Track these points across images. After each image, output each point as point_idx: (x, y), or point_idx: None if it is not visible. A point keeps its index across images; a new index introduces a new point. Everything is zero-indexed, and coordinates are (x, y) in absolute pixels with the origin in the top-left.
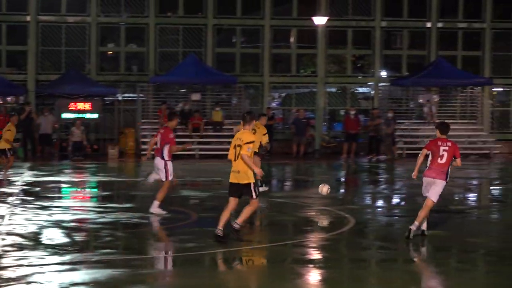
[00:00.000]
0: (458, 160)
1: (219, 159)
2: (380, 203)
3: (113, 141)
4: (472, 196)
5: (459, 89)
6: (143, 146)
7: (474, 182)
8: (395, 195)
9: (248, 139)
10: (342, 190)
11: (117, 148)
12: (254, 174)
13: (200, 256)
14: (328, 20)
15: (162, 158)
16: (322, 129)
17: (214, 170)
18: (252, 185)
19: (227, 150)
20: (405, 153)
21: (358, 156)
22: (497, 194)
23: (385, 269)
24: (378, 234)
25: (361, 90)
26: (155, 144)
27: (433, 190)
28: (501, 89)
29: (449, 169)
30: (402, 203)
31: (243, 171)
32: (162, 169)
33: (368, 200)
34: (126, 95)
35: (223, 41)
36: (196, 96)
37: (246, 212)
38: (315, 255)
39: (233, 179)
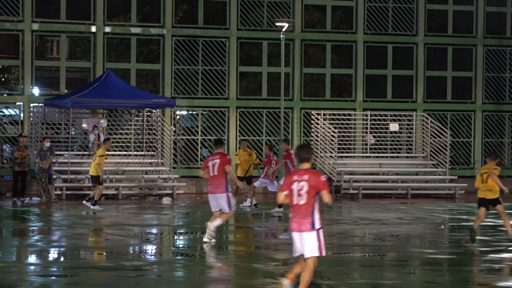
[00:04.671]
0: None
1: None
2: (33, 259)
3: None
4: (151, 248)
5: (134, 111)
6: None
7: (154, 230)
8: (52, 249)
9: None
10: None
11: None
12: None
13: None
14: None
15: None
16: None
17: None
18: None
19: None
20: (65, 193)
21: (4, 197)
22: (182, 245)
23: None
24: None
25: (7, 112)
26: None
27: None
28: (185, 112)
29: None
30: (62, 259)
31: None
32: None
33: (16, 256)
34: None
35: None
36: None
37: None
38: None
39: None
